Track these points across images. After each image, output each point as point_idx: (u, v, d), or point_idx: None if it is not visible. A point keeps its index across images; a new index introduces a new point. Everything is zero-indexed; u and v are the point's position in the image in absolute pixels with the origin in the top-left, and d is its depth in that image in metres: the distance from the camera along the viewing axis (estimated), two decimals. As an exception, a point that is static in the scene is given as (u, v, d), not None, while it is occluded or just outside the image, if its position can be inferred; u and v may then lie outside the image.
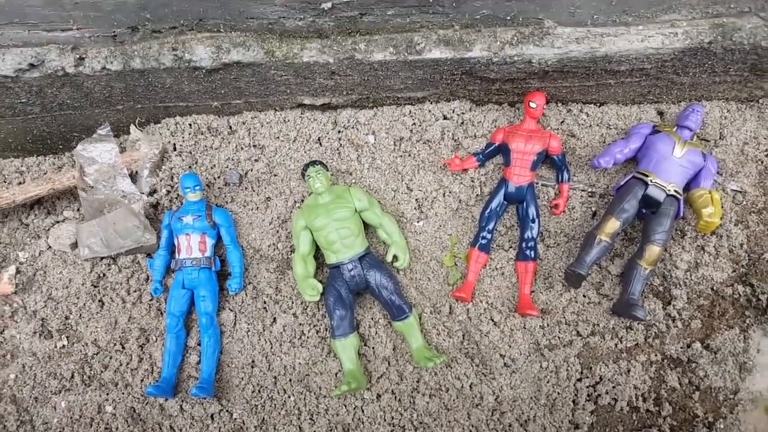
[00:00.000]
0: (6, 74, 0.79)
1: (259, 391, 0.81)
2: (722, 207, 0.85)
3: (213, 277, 0.84)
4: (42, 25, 0.75)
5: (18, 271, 0.97)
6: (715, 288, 0.84)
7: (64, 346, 0.92)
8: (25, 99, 0.85)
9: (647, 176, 0.82)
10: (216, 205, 0.88)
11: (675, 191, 0.82)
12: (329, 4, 0.69)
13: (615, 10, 0.73)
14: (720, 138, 0.90)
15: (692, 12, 0.74)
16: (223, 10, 0.72)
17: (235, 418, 0.80)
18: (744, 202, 0.87)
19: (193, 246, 0.83)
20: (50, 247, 0.97)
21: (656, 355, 0.83)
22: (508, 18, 0.74)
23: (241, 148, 0.90)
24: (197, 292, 0.83)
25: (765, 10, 0.72)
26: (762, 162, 0.89)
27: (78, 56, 0.78)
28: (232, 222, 0.86)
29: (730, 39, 0.74)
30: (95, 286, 0.93)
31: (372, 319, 0.85)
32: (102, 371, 0.89)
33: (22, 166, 1.02)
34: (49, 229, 0.98)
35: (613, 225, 0.81)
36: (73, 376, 0.90)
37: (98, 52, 0.78)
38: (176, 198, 0.89)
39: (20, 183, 1.00)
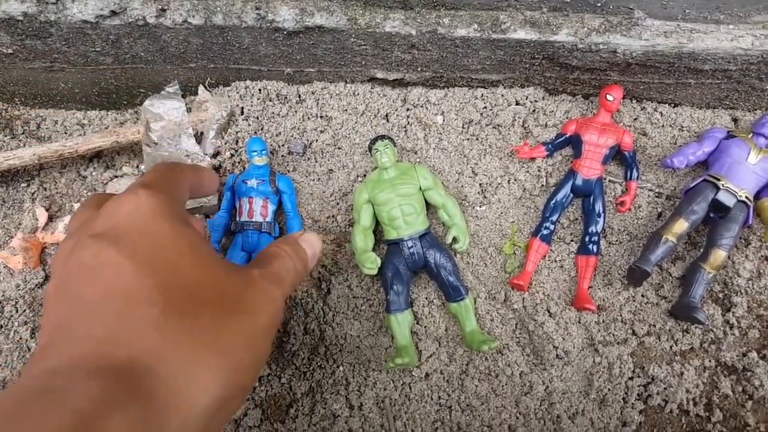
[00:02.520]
0: (86, 19, 0.79)
1: (309, 358, 0.81)
2: (791, 219, 0.84)
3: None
4: (128, -26, 0.75)
5: (72, 221, 0.98)
6: (776, 299, 0.83)
7: (112, 298, 0.93)
8: (99, 48, 0.85)
9: (719, 180, 0.81)
10: (279, 172, 0.88)
11: (746, 197, 0.80)
12: (422, -26, 0.68)
13: (708, 5, 0.71)
14: (792, 149, 0.88)
15: (787, 15, 0.72)
16: (314, -28, 0.71)
17: (283, 383, 0.80)
18: (812, 216, 0.85)
19: (255, 209, 0.82)
20: (107, 199, 0.98)
21: (711, 361, 0.81)
22: (598, 5, 0.72)
23: (308, 118, 0.89)
24: (255, 255, 0.83)
25: None
26: (834, 177, 0.87)
27: (160, 7, 0.78)
28: (294, 190, 0.85)
29: (823, 45, 0.72)
30: (146, 243, 0.93)
31: (426, 298, 0.84)
32: (149, 326, 0.89)
33: (84, 119, 1.02)
34: (107, 183, 0.98)
35: (681, 225, 0.79)
36: (119, 329, 0.90)
37: (181, 4, 0.78)
38: (239, 162, 0.89)
39: (80, 135, 1.01)
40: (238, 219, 0.83)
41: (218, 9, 0.77)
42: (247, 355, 0.40)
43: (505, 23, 0.75)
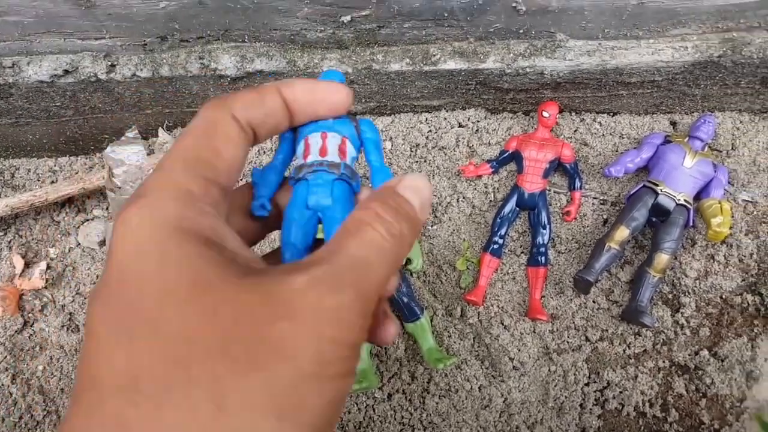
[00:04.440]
0: (42, 79, 0.83)
1: (275, 386, 0.84)
2: (732, 217, 0.86)
3: (352, 199, 0.37)
4: (77, 34, 0.79)
5: (48, 267, 1.02)
6: (724, 297, 0.85)
7: (90, 339, 0.96)
8: (59, 102, 0.89)
9: (657, 185, 0.84)
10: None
11: (685, 200, 0.83)
12: (348, 18, 0.72)
13: (625, 24, 0.74)
14: (732, 148, 0.91)
15: (702, 27, 0.75)
16: (248, 21, 0.75)
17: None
18: (755, 212, 0.88)
19: (329, 147, 0.47)
20: (79, 244, 1.02)
21: (664, 362, 0.84)
22: (521, 31, 0.76)
23: (264, 152, 0.93)
24: (327, 217, 0.36)
25: (775, 25, 0.74)
26: (774, 173, 0.89)
27: (110, 63, 0.82)
28: (380, 137, 0.51)
29: (739, 53, 0.75)
30: (120, 283, 0.97)
31: (385, 319, 0.87)
32: (126, 364, 0.92)
33: (55, 165, 1.06)
34: (78, 227, 1.02)
35: (622, 233, 0.82)
36: (98, 369, 0.93)
37: (129, 59, 0.82)
38: (199, 199, 0.93)
39: (53, 182, 1.05)
40: (303, 161, 0.42)
41: (164, 61, 0.81)
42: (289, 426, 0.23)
43: (435, 55, 0.78)
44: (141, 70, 0.82)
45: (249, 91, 0.30)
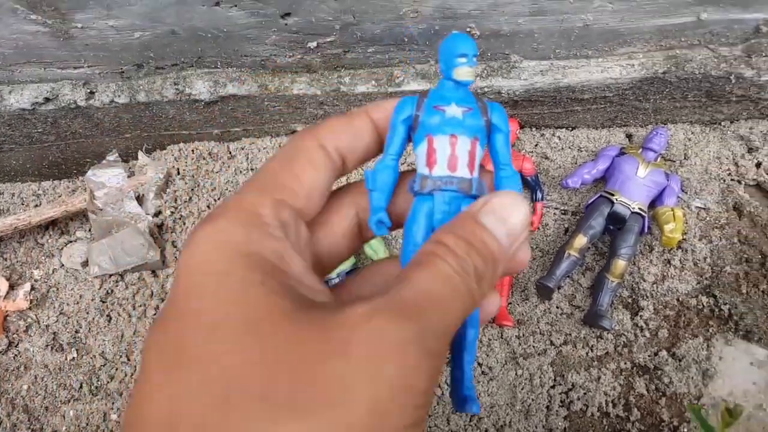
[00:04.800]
0: (24, 107, 0.87)
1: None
2: (686, 223, 0.91)
3: None
4: (56, 64, 0.83)
5: (32, 288, 1.04)
6: (680, 299, 0.89)
7: (73, 358, 0.99)
8: (41, 129, 0.92)
9: (613, 195, 0.88)
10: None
11: (639, 209, 0.88)
12: (314, 44, 0.77)
13: (574, 44, 0.79)
14: (685, 158, 0.96)
15: (647, 45, 0.80)
16: (219, 49, 0.80)
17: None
18: (708, 219, 0.93)
19: (459, 158, 0.31)
20: (63, 265, 1.04)
21: (625, 363, 0.88)
22: (478, 53, 0.80)
23: (240, 172, 0.97)
24: None
25: (713, 43, 0.79)
26: (724, 180, 0.95)
27: (89, 90, 0.86)
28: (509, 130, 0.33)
29: (682, 69, 0.80)
30: (104, 302, 1.00)
31: (359, 330, 0.90)
32: (108, 382, 0.95)
33: (38, 189, 1.10)
34: (62, 249, 1.05)
35: (580, 241, 0.87)
36: (81, 387, 0.96)
37: (107, 86, 0.86)
38: (179, 219, 0.96)
39: (37, 205, 1.08)
40: (426, 172, 0.32)
41: (141, 88, 0.85)
42: None
43: (399, 77, 0.83)
44: (119, 96, 0.86)
45: (338, 117, 0.29)
